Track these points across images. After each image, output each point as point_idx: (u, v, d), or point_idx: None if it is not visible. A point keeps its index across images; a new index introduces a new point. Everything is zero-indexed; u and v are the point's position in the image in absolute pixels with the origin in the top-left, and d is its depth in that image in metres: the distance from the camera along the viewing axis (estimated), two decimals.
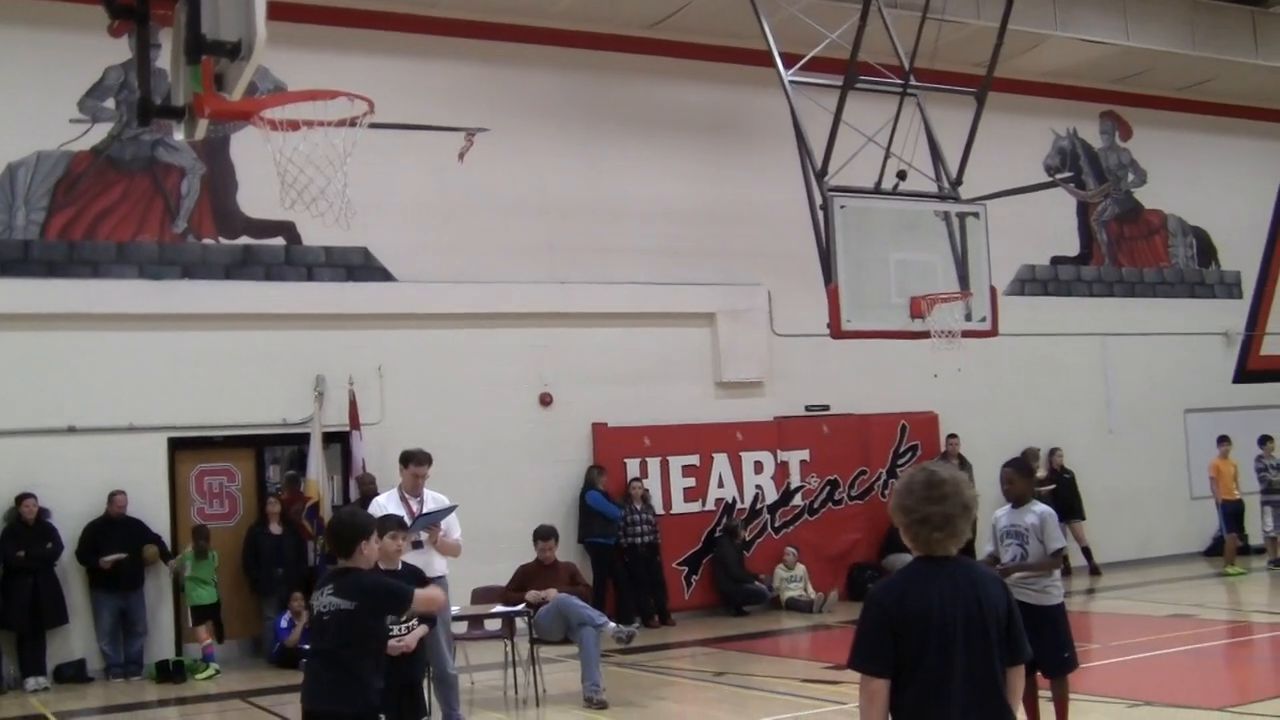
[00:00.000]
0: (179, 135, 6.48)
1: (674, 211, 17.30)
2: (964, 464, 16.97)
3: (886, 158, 14.62)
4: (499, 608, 11.72)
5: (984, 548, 8.67)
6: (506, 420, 16.06)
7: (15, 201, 14.16)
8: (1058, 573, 8.39)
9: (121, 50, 14.28)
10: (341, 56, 15.09)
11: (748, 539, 17.27)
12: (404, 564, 8.49)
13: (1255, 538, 19.51)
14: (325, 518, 14.33)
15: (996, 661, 4.07)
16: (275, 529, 14.72)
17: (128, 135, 14.68)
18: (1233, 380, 22.04)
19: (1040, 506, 8.39)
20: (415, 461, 10.06)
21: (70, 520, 13.92)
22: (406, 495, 9.96)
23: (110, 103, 14.65)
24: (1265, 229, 22.92)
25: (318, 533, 14.43)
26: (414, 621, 8.12)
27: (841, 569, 17.80)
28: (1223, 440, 19.15)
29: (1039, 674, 7.95)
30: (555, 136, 16.80)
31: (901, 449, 18.46)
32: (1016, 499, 8.44)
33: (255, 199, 14.84)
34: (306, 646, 6.25)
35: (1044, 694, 8.38)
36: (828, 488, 17.99)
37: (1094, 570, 19.14)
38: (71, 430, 14.12)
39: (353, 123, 6.54)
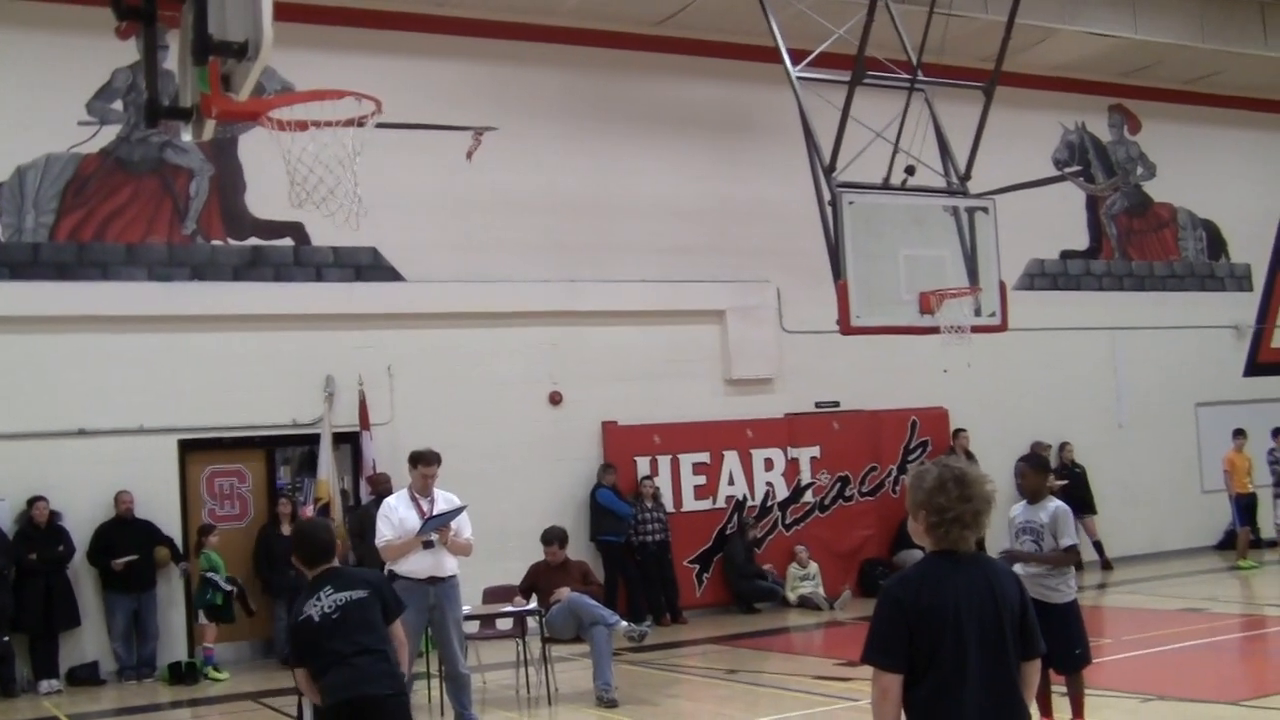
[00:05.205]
0: (187, 136, 6.49)
1: (682, 209, 17.27)
2: (970, 459, 16.93)
3: (895, 153, 14.59)
4: (510, 607, 11.72)
5: (1000, 543, 8.61)
6: (516, 419, 16.05)
7: (24, 204, 14.18)
8: (1070, 570, 8.36)
9: (129, 52, 14.29)
10: (349, 56, 15.06)
11: (758, 536, 17.24)
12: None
13: (1267, 531, 19.45)
14: (336, 518, 14.35)
15: (1011, 656, 4.07)
16: (286, 530, 14.72)
17: (136, 137, 14.69)
18: (1243, 374, 21.96)
19: (1054, 503, 8.38)
20: (424, 462, 10.04)
21: (81, 523, 13.95)
22: (417, 496, 9.96)
23: (118, 104, 14.67)
24: (1275, 221, 22.79)
25: None
26: None
27: (853, 565, 17.78)
28: (1238, 433, 19.07)
29: (1052, 670, 7.93)
30: (563, 135, 16.78)
31: (912, 445, 18.41)
32: (1031, 494, 8.43)
33: (264, 200, 14.85)
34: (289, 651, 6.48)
35: (1058, 689, 8.37)
36: (838, 484, 17.96)
37: (1106, 565, 19.10)
38: (82, 433, 14.14)
39: (360, 122, 6.53)
